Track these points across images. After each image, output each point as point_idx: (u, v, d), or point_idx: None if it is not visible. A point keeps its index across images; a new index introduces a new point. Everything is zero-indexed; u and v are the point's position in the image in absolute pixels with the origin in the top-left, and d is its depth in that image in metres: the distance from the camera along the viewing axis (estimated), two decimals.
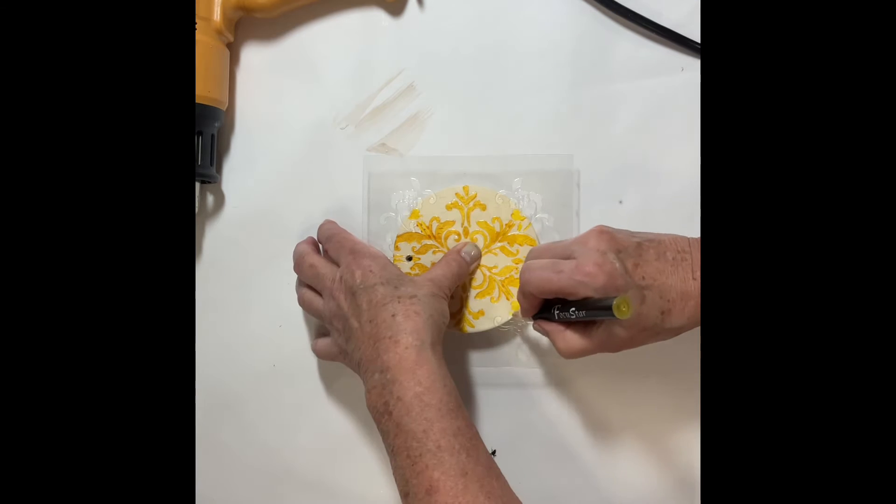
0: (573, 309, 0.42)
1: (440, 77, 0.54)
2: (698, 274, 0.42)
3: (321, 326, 0.54)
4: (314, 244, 0.52)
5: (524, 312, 0.48)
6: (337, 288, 0.46)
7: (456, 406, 0.42)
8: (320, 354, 0.51)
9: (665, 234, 0.45)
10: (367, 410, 0.43)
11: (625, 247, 0.43)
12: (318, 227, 0.53)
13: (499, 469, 0.41)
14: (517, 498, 0.40)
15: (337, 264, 0.48)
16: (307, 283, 0.50)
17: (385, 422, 0.42)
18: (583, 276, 0.41)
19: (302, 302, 0.51)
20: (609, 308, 0.39)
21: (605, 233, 0.43)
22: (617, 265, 0.42)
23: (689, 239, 0.44)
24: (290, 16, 0.54)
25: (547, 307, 0.46)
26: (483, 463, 0.40)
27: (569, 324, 0.45)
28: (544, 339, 0.53)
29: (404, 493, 0.40)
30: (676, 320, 0.42)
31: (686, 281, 0.42)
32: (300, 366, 0.55)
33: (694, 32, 0.52)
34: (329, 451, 0.54)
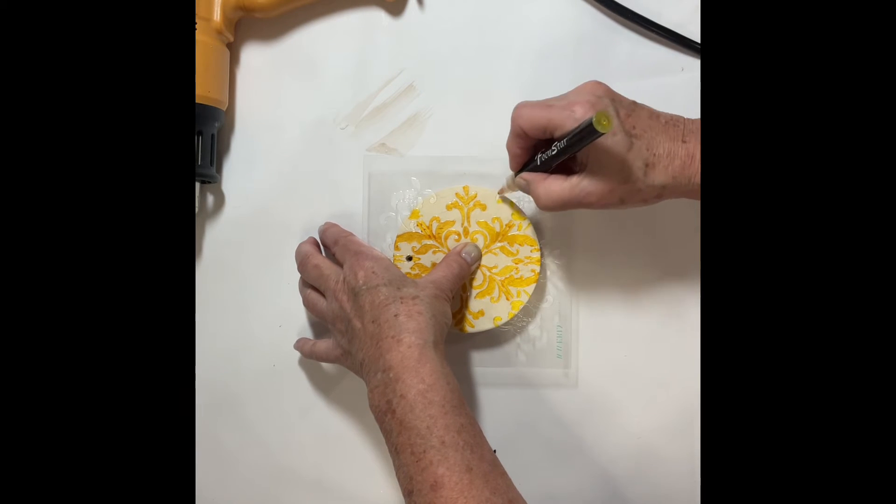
0: (556, 143, 0.42)
1: (440, 77, 0.54)
2: (689, 138, 0.42)
3: (315, 326, 0.54)
4: (316, 244, 0.52)
5: (512, 163, 0.47)
6: (340, 289, 0.46)
7: (459, 403, 0.42)
8: (320, 357, 0.51)
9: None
10: (368, 411, 0.43)
11: (619, 98, 0.44)
12: (318, 227, 0.53)
13: (502, 466, 0.41)
14: (521, 495, 0.40)
15: (341, 266, 0.48)
16: (311, 284, 0.50)
17: (388, 420, 0.41)
18: (572, 110, 0.42)
19: (306, 303, 0.51)
20: (590, 125, 0.38)
21: (601, 84, 0.44)
22: (609, 109, 0.42)
23: (685, 118, 0.44)
24: (290, 16, 0.54)
25: (532, 160, 0.46)
26: (487, 459, 0.40)
27: (550, 173, 0.45)
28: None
29: (408, 492, 0.40)
30: (659, 177, 0.42)
31: (675, 140, 0.42)
32: (300, 366, 0.55)
33: (694, 32, 0.52)
34: (329, 451, 0.54)
